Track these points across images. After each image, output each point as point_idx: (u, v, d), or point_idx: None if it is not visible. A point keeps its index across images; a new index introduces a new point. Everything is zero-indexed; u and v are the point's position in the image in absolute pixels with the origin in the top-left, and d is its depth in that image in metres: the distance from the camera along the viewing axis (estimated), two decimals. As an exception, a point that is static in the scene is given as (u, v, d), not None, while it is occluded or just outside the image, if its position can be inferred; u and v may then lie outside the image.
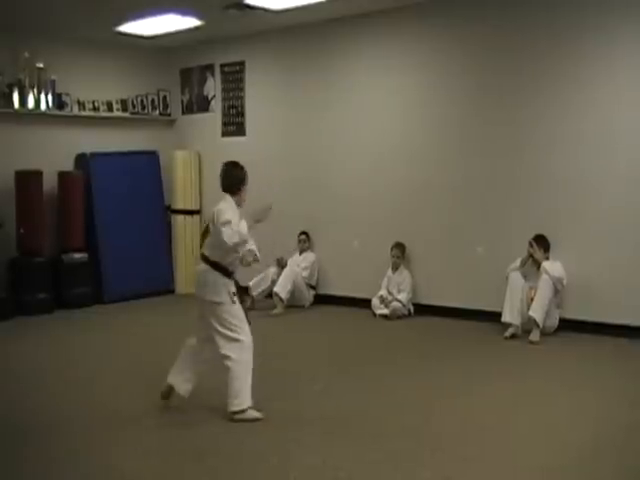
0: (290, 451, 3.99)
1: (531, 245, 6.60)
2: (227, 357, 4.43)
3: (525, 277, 6.63)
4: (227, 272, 4.51)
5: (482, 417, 4.51)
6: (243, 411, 4.42)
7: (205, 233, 4.72)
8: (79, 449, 4.10)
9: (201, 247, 4.72)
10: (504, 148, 6.99)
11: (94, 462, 3.91)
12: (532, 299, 6.50)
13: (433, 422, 4.42)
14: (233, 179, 4.62)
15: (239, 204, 4.58)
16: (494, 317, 6.70)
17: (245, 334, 4.50)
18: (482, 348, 6.23)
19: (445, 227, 7.40)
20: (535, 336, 6.34)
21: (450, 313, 7.29)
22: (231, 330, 4.45)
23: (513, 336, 6.45)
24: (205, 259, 4.53)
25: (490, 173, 7.09)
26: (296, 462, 3.84)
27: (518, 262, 6.64)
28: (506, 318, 6.54)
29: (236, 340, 4.45)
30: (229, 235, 4.32)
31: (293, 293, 7.93)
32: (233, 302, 4.48)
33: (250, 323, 4.55)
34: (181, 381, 4.61)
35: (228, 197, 4.56)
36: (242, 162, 9.02)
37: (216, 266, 4.48)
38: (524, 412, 4.59)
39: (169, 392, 4.64)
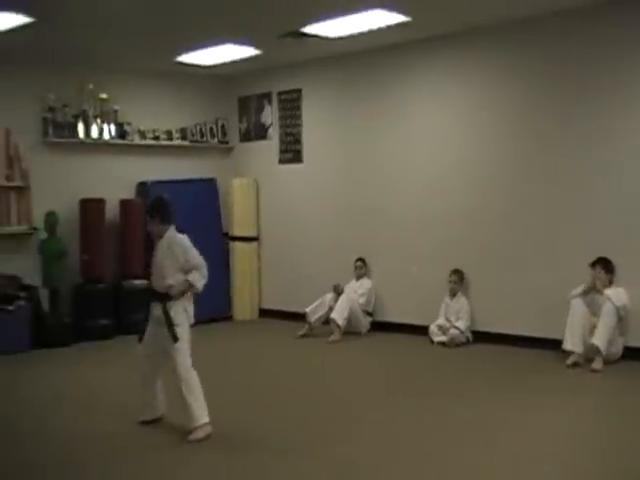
0: (342, 477, 3.95)
1: (593, 268, 6.45)
2: None
3: (587, 304, 6.47)
4: None
5: (538, 450, 4.38)
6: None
7: None
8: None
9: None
10: (563, 172, 6.86)
11: None
12: (594, 326, 6.34)
13: (487, 455, 4.31)
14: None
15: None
16: (555, 345, 6.55)
17: None
18: (542, 377, 6.07)
19: (504, 253, 7.29)
20: (598, 364, 6.16)
21: (510, 341, 7.14)
22: None
23: (575, 364, 6.28)
24: None
25: (550, 198, 6.96)
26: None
27: (580, 289, 6.47)
28: (567, 346, 6.38)
29: None
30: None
31: (350, 320, 7.89)
32: None
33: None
34: None
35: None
36: (299, 189, 9.25)
37: None
38: (581, 445, 4.44)
39: None
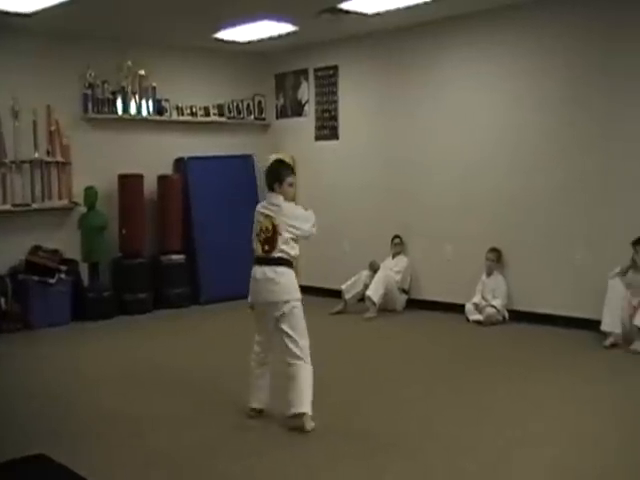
0: (384, 456, 3.99)
1: (636, 251, 6.34)
2: (299, 358, 4.44)
3: (628, 284, 6.38)
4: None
5: (573, 429, 4.37)
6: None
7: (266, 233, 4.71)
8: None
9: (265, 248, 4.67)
10: (601, 152, 6.76)
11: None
12: (635, 308, 6.24)
13: (517, 434, 4.31)
14: (271, 175, 4.83)
15: (287, 199, 4.80)
16: (593, 325, 6.49)
17: None
18: (579, 357, 6.03)
19: (542, 231, 7.22)
20: (638, 346, 6.08)
21: (547, 320, 7.10)
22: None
23: (613, 345, 6.22)
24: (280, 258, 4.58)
25: (589, 176, 6.86)
26: (387, 468, 3.83)
27: (619, 269, 6.39)
28: (606, 326, 6.32)
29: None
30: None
31: (385, 297, 7.90)
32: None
33: None
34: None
35: (274, 195, 4.74)
36: (335, 165, 9.24)
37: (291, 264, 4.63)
38: (623, 424, 4.43)
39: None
